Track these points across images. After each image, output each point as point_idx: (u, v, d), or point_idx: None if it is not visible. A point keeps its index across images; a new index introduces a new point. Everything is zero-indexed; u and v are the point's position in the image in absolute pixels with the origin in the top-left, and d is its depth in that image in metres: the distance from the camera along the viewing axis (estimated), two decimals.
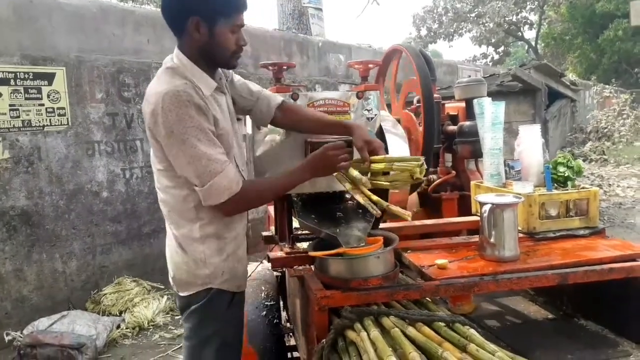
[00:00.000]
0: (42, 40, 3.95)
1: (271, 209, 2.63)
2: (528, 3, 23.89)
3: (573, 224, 2.12)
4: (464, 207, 2.70)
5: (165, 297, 4.27)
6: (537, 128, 2.32)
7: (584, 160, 10.79)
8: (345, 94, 1.95)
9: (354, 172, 1.68)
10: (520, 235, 1.99)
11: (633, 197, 8.17)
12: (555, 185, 2.21)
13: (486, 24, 23.57)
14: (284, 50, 6.51)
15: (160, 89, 1.50)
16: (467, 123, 2.65)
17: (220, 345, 1.67)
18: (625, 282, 1.79)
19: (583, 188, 2.16)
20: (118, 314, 4.04)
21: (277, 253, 1.93)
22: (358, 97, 1.94)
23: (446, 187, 2.75)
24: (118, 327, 3.89)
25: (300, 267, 1.87)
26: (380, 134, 1.97)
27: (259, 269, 2.39)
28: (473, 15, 23.85)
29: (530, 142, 2.30)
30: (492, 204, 1.80)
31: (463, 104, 2.73)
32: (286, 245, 2.00)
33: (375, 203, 1.64)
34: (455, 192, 2.75)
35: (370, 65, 2.04)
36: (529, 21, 25.20)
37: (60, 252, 4.06)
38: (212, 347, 1.66)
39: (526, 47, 29.36)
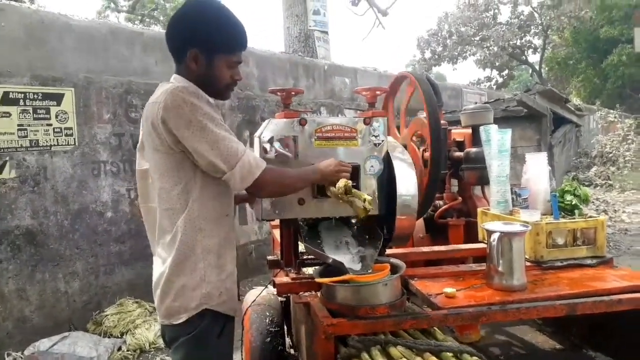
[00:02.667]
0: (53, 60, 3.99)
1: (276, 232, 2.62)
2: (532, 27, 24.13)
3: (580, 252, 2.10)
4: (470, 233, 2.69)
5: None
6: (543, 156, 2.32)
7: (588, 186, 10.76)
8: (353, 120, 1.96)
9: (343, 182, 1.72)
10: (527, 263, 1.98)
11: (639, 223, 8.12)
12: (563, 213, 2.20)
13: (490, 48, 23.77)
14: (290, 73, 6.57)
15: (168, 87, 1.54)
16: (474, 150, 2.66)
17: None
18: (634, 313, 1.77)
19: (590, 217, 2.15)
20: (119, 336, 3.99)
21: (283, 278, 1.91)
22: (365, 123, 1.94)
23: (452, 213, 2.75)
24: (119, 349, 3.84)
25: (306, 293, 1.86)
26: (387, 159, 1.97)
27: (263, 294, 2.37)
28: (477, 39, 24.07)
29: (537, 170, 2.30)
30: (500, 232, 1.79)
31: (469, 130, 2.74)
32: (292, 271, 1.99)
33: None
34: (462, 218, 2.74)
35: (378, 92, 2.05)
36: (533, 45, 25.43)
37: (63, 271, 4.04)
38: None
39: (530, 70, 29.56)
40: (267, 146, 1.87)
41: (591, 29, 22.24)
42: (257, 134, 1.96)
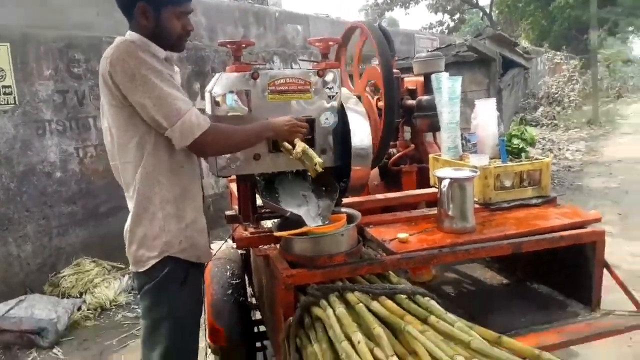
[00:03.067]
0: None
1: (233, 186, 2.62)
2: None
3: (526, 193, 2.21)
4: (423, 179, 2.76)
5: (127, 276, 4.21)
6: (492, 102, 2.38)
7: (535, 126, 11.17)
8: (306, 73, 1.94)
9: (300, 146, 1.74)
10: (476, 206, 2.06)
11: (581, 160, 8.56)
12: (510, 157, 2.29)
13: None
14: (240, 21, 6.36)
15: (117, 43, 1.58)
16: (426, 97, 2.69)
17: (173, 326, 1.67)
18: (574, 247, 1.90)
19: (536, 159, 2.25)
20: (78, 296, 3.97)
21: (242, 233, 1.93)
22: (319, 76, 1.93)
23: (405, 160, 2.81)
24: (79, 309, 3.82)
25: (266, 247, 1.89)
26: (342, 111, 1.98)
27: (223, 248, 2.39)
28: None
29: (486, 116, 2.36)
30: (450, 178, 1.86)
31: (422, 79, 2.76)
32: (250, 225, 2.01)
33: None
34: (414, 164, 2.80)
35: (330, 43, 2.03)
36: None
37: (13, 235, 3.93)
38: (164, 328, 1.66)
39: (481, 14, 29.66)
40: (219, 100, 1.84)
41: None
42: (207, 88, 1.92)
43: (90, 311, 3.85)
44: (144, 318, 1.73)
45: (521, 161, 2.25)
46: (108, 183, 4.40)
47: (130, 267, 1.74)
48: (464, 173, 1.93)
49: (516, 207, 2.16)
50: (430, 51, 5.61)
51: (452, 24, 27.65)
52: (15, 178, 3.93)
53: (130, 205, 1.69)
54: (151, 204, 1.64)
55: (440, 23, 27.44)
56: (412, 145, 2.82)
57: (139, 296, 1.75)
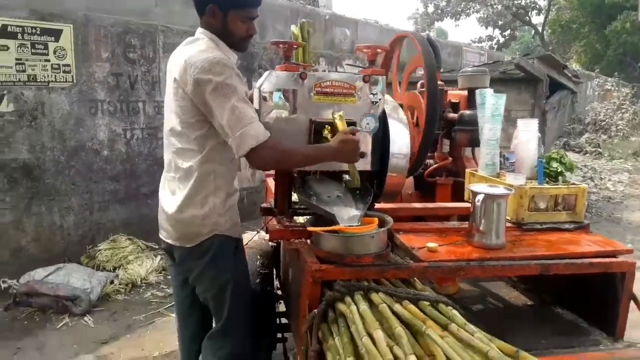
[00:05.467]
0: None
1: (270, 181, 2.70)
2: None
3: (560, 217, 2.21)
4: (458, 193, 2.78)
5: (159, 256, 4.37)
6: (534, 122, 2.38)
7: (578, 152, 10.91)
8: (352, 77, 2.00)
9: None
10: (508, 224, 2.08)
11: (623, 192, 8.32)
12: (547, 179, 2.29)
13: (494, 6, 23.32)
14: (291, 20, 6.47)
15: (208, 55, 1.74)
16: (468, 112, 2.71)
17: (234, 287, 1.92)
18: (602, 276, 1.90)
19: (573, 184, 2.24)
20: (112, 270, 4.15)
21: (276, 225, 2.01)
22: (365, 81, 1.98)
23: (442, 172, 2.83)
24: (112, 282, 3.99)
25: (297, 241, 1.96)
26: (383, 118, 2.03)
27: (255, 238, 2.48)
28: None
29: (527, 136, 2.37)
30: (485, 194, 1.89)
31: (465, 93, 2.79)
32: (284, 219, 2.08)
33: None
34: (450, 177, 2.82)
35: (378, 50, 2.08)
36: (537, 6, 24.94)
37: (58, 206, 4.14)
38: (229, 291, 1.91)
39: (532, 32, 29.11)
40: (267, 96, 1.92)
41: None
42: (257, 84, 1.99)
43: (122, 286, 4.01)
44: (209, 289, 1.95)
45: (558, 185, 2.25)
46: (151, 165, 4.59)
47: (172, 241, 1.94)
48: (499, 190, 1.96)
49: (548, 229, 2.16)
50: (477, 66, 5.58)
51: (502, 40, 27.27)
52: (66, 152, 4.13)
53: (175, 185, 1.88)
54: (205, 189, 1.84)
55: (490, 38, 27.11)
56: (450, 159, 2.84)
57: (181, 267, 2.00)
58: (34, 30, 3.81)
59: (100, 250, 4.26)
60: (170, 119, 1.87)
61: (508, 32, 27.28)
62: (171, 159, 1.90)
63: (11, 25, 3.69)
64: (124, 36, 4.42)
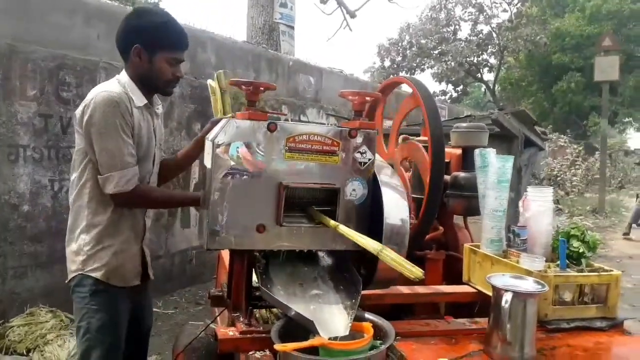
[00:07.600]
0: None
1: (225, 254, 2.16)
2: (490, 47, 24.55)
3: (589, 312, 1.76)
4: (451, 269, 2.33)
5: None
6: (549, 191, 1.97)
7: None
8: (335, 130, 1.54)
9: None
10: None
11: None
12: (567, 262, 1.86)
13: (448, 62, 24.01)
14: (252, 65, 6.07)
15: (99, 90, 1.76)
16: (463, 174, 2.29)
17: (84, 333, 1.80)
18: None
19: (604, 270, 1.81)
20: (24, 353, 3.38)
21: (227, 331, 1.46)
22: (351, 136, 1.53)
23: (431, 244, 2.36)
24: None
25: (258, 354, 1.41)
26: (374, 184, 1.56)
27: (201, 336, 1.89)
28: (436, 52, 24.28)
29: (540, 207, 1.95)
30: (514, 292, 1.41)
31: (459, 151, 2.37)
32: (240, 318, 1.54)
33: None
34: (442, 251, 2.36)
35: (368, 98, 1.64)
36: (489, 64, 25.87)
37: None
38: (79, 334, 1.83)
39: (483, 88, 30.14)
40: (221, 150, 1.43)
41: (545, 54, 22.91)
42: (210, 135, 1.50)
43: None
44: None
45: (582, 270, 1.81)
46: None
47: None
48: (528, 284, 1.49)
49: (578, 329, 1.70)
50: (461, 118, 5.31)
51: (455, 95, 28.02)
52: None
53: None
54: (78, 226, 1.82)
55: (444, 93, 27.83)
56: (441, 229, 2.38)
57: None
58: None
59: (12, 327, 3.49)
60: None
61: (460, 87, 28.12)
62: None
63: None
64: (57, 72, 3.81)
